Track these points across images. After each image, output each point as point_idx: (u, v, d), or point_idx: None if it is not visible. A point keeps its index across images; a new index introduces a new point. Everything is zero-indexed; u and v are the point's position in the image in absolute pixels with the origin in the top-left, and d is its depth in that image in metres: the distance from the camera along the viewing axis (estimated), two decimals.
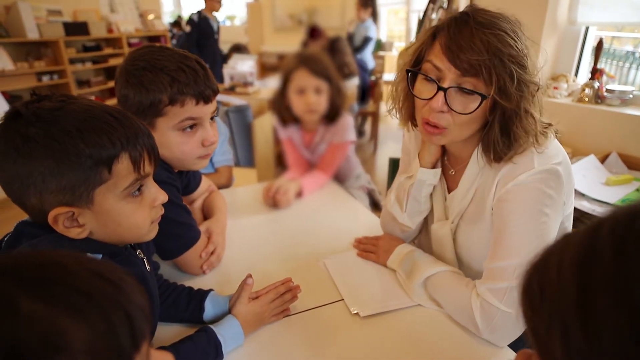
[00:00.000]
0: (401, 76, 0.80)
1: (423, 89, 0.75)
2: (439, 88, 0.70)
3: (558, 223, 0.73)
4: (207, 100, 0.82)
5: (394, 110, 0.86)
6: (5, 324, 0.25)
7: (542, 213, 0.70)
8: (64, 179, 0.52)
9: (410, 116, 0.84)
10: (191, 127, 0.83)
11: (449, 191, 0.88)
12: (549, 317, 0.30)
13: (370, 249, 0.99)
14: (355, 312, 0.79)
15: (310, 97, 1.36)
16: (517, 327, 0.71)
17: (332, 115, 1.43)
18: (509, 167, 0.73)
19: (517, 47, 0.67)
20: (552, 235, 0.71)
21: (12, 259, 0.29)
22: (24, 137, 0.50)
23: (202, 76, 0.80)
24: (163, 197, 0.63)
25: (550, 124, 0.74)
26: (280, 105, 1.44)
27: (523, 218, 0.70)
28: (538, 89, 0.70)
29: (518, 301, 0.34)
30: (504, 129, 0.72)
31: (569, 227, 0.81)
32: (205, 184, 1.15)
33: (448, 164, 0.89)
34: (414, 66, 0.77)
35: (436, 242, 0.91)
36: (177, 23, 5.76)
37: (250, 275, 0.78)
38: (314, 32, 3.97)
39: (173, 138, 0.81)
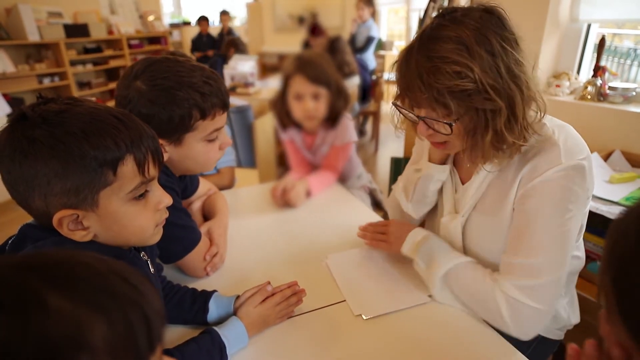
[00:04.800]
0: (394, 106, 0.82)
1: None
2: (418, 118, 0.75)
3: (580, 219, 0.75)
4: (228, 107, 0.85)
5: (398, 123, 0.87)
6: (35, 318, 0.25)
7: (567, 210, 0.70)
8: (69, 181, 0.52)
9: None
10: (216, 136, 0.86)
11: (462, 183, 0.88)
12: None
13: (379, 237, 0.95)
14: (358, 314, 0.79)
15: (308, 103, 1.35)
16: (544, 320, 0.72)
17: (332, 119, 1.42)
18: (533, 163, 0.73)
19: (453, 73, 0.65)
20: (574, 231, 0.72)
21: (40, 257, 0.30)
22: (29, 139, 0.50)
23: (221, 84, 0.83)
24: (168, 200, 0.63)
25: (521, 144, 0.71)
26: (281, 109, 1.44)
27: (549, 215, 0.71)
28: (500, 106, 0.67)
29: (611, 236, 0.36)
30: (468, 142, 0.73)
31: (584, 224, 0.81)
32: (205, 186, 1.15)
33: (463, 158, 0.88)
34: (401, 95, 0.79)
35: (444, 235, 0.90)
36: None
37: (269, 283, 0.79)
38: (314, 29, 3.96)
39: (200, 148, 0.84)
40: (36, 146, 0.50)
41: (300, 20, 6.43)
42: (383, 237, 0.94)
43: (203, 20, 5.72)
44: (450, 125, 0.70)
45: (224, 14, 5.81)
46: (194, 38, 5.81)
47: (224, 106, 0.84)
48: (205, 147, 0.85)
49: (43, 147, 0.50)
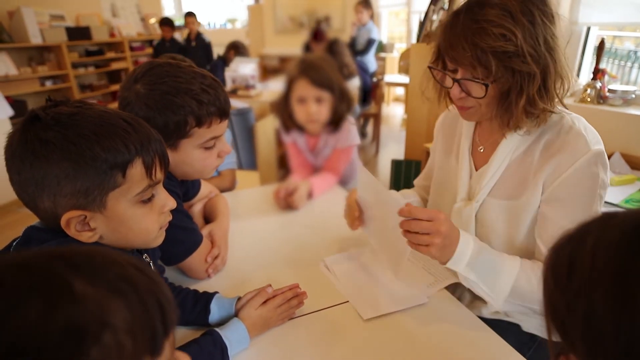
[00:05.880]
0: (427, 71, 0.86)
1: (446, 77, 0.82)
2: (453, 80, 0.78)
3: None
4: (227, 115, 0.85)
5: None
6: (63, 301, 0.28)
7: (599, 196, 0.75)
8: (79, 182, 0.53)
9: (443, 94, 0.89)
10: (213, 144, 0.86)
11: (477, 168, 0.89)
12: (574, 295, 0.30)
13: (423, 240, 0.71)
14: (359, 314, 0.80)
15: (311, 107, 1.35)
16: None
17: (335, 123, 1.43)
18: (563, 154, 0.75)
19: (499, 34, 0.69)
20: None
21: (64, 248, 0.32)
22: (42, 141, 0.51)
23: (221, 92, 0.82)
24: (172, 203, 0.64)
25: (550, 110, 0.76)
26: (284, 112, 1.44)
27: (588, 201, 0.75)
28: (535, 73, 0.71)
29: (542, 272, 0.35)
30: (501, 105, 0.77)
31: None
32: (206, 189, 1.15)
33: (478, 141, 0.90)
34: (437, 59, 0.84)
35: (456, 222, 0.88)
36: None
37: (270, 285, 0.79)
38: (317, 34, 3.97)
39: (196, 155, 0.84)
40: (48, 147, 0.51)
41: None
42: (427, 238, 0.71)
43: (165, 24, 4.66)
44: (486, 87, 0.74)
45: (190, 16, 4.75)
46: (156, 45, 4.84)
47: (222, 115, 0.83)
48: (202, 154, 0.84)
49: (55, 148, 0.51)
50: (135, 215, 0.58)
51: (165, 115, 0.77)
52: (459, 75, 0.77)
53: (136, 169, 0.56)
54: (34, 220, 0.60)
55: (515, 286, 0.75)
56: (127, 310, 0.30)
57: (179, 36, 5.11)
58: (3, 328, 0.25)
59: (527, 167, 0.80)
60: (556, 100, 0.76)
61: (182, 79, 0.78)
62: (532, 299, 0.75)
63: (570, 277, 0.31)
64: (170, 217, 0.66)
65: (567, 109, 0.81)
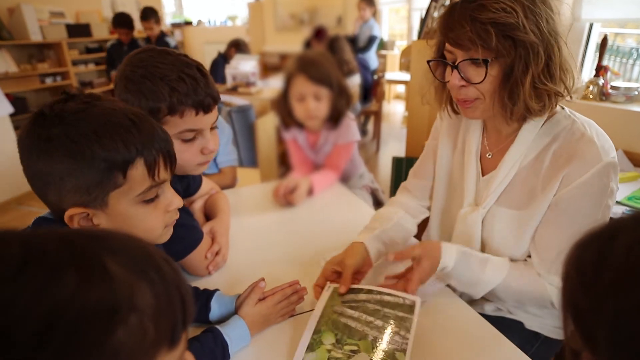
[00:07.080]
0: (426, 68, 0.84)
1: (447, 73, 0.80)
2: (452, 66, 0.76)
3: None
4: (207, 109, 0.81)
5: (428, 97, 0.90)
6: (98, 279, 0.28)
7: (606, 205, 0.74)
8: (80, 179, 0.54)
9: (444, 99, 0.88)
10: (191, 137, 0.83)
11: (484, 174, 0.87)
12: (601, 293, 0.29)
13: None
14: None
15: (310, 103, 1.35)
16: None
17: (335, 119, 1.42)
18: (575, 162, 0.73)
19: (499, 8, 0.68)
20: None
21: (101, 231, 0.33)
22: (46, 138, 0.53)
23: (203, 85, 0.79)
24: (178, 202, 0.64)
25: (559, 93, 0.73)
26: (283, 109, 1.44)
27: (592, 211, 0.74)
28: (539, 48, 0.69)
29: (563, 269, 0.33)
30: (504, 87, 0.73)
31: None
32: (207, 186, 1.14)
33: (487, 146, 0.88)
34: (438, 55, 0.81)
35: (461, 228, 0.88)
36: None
37: (263, 279, 0.79)
38: (319, 33, 3.95)
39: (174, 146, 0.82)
40: (52, 145, 0.53)
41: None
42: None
43: (120, 26, 3.60)
44: (486, 64, 0.71)
45: (145, 19, 3.60)
46: (109, 47, 3.84)
47: (199, 107, 0.79)
48: (179, 146, 0.81)
49: (58, 145, 0.53)
50: (138, 214, 0.59)
51: (139, 99, 0.76)
52: (457, 61, 0.75)
53: (137, 170, 0.56)
54: (33, 217, 0.61)
55: (501, 287, 0.80)
56: (153, 297, 0.30)
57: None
58: (41, 296, 0.26)
59: (536, 176, 0.78)
60: (563, 87, 0.73)
61: (162, 65, 0.77)
62: (513, 297, 0.83)
63: (597, 275, 0.29)
64: (177, 216, 0.65)
65: (571, 105, 0.79)
